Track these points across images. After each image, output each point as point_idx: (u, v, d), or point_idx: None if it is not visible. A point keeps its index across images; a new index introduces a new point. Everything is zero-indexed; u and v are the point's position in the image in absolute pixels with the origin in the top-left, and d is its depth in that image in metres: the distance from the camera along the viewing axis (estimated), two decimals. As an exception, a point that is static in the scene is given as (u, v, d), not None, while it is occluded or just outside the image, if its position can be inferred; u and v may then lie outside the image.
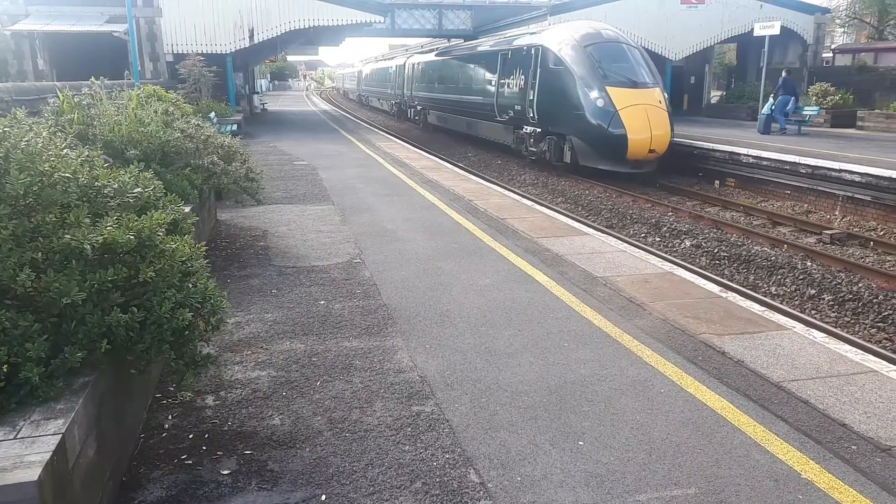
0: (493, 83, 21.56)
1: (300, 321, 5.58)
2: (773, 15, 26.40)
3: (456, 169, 16.31)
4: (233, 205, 9.39)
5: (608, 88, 16.15)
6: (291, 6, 24.49)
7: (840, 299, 8.44)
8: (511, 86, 20.08)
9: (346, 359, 4.84)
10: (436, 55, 30.85)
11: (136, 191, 3.85)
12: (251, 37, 24.31)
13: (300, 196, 11.55)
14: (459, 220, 9.62)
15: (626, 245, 8.64)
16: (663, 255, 10.04)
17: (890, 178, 12.22)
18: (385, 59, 49.34)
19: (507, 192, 12.80)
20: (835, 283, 8.91)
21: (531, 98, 18.49)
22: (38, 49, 23.03)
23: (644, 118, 15.78)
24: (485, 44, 25.10)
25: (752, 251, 10.41)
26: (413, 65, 34.10)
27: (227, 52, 24.48)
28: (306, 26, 24.95)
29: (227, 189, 7.97)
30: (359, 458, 3.59)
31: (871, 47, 37.26)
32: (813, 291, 8.76)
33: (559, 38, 18.01)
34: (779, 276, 9.37)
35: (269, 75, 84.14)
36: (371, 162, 16.61)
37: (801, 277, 9.21)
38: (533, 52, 18.64)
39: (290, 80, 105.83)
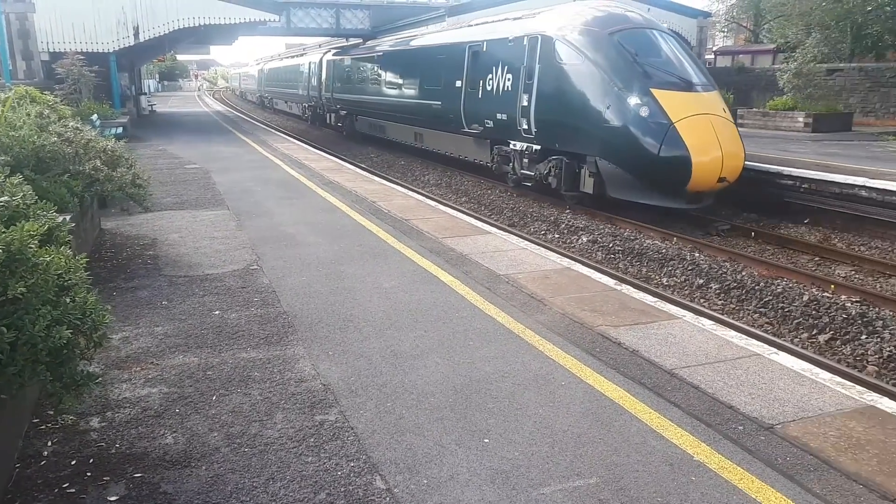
0: (459, 84, 16.88)
1: (193, 333, 5.32)
2: (659, 18, 27.72)
3: (358, 170, 16.14)
4: (118, 213, 8.87)
5: (654, 92, 11.63)
6: (180, 3, 23.45)
7: (726, 287, 8.96)
8: (488, 88, 15.47)
9: (244, 371, 4.66)
10: (368, 50, 26.19)
11: (2, 199, 3.55)
12: (136, 35, 23.09)
13: (192, 201, 11.06)
14: (362, 222, 9.51)
15: (527, 243, 8.82)
16: (562, 251, 10.31)
17: (767, 172, 13.10)
18: (294, 56, 43.38)
19: (410, 193, 12.79)
20: (721, 272, 9.45)
21: (525, 104, 13.88)
22: None
23: (710, 133, 11.40)
24: (441, 35, 20.17)
25: (645, 245, 10.88)
26: (334, 62, 29.40)
27: (110, 50, 23.15)
28: (196, 24, 23.97)
29: (111, 196, 7.51)
30: (259, 473, 3.45)
31: (748, 49, 39.96)
32: (701, 281, 9.25)
33: (568, 23, 13.33)
34: (669, 268, 9.84)
35: (157, 75, 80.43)
36: (268, 164, 16.16)
37: (690, 268, 9.71)
38: (526, 42, 13.96)
39: (180, 80, 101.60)
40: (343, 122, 28.78)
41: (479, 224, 9.87)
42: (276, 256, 7.64)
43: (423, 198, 12.53)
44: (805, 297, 8.30)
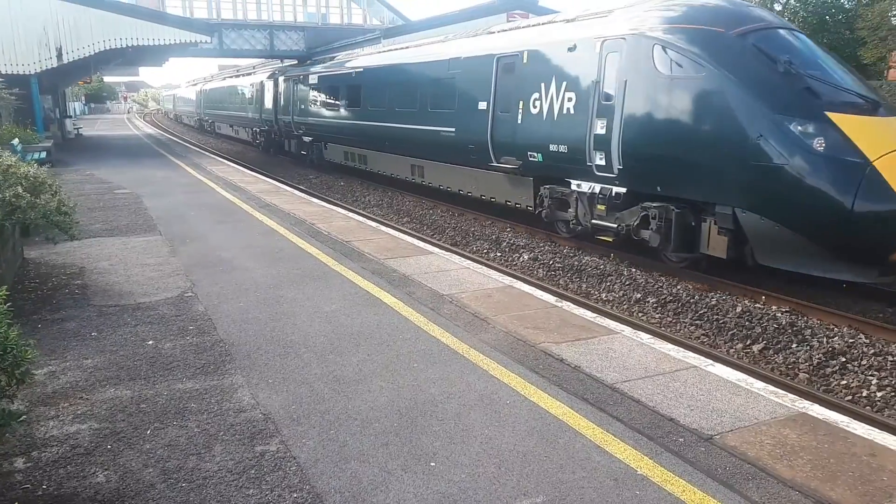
0: (484, 106, 13.30)
1: (125, 365, 5.10)
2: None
3: (296, 192, 15.94)
4: (43, 241, 8.46)
5: (831, 116, 8.09)
6: (106, 24, 22.80)
7: (662, 301, 9.19)
8: (534, 111, 11.91)
9: (180, 402, 4.48)
10: (342, 66, 21.82)
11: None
12: (59, 56, 22.28)
13: (122, 227, 10.67)
14: (302, 245, 9.37)
15: (469, 262, 8.86)
16: (504, 269, 10.41)
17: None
18: (241, 75, 39.24)
19: (350, 214, 12.70)
20: (657, 286, 9.69)
21: (601, 132, 10.36)
22: None
23: None
24: (451, 45, 15.57)
25: (584, 261, 11.08)
26: (295, 81, 25.47)
27: (32, 72, 22.25)
28: (124, 46, 23.34)
29: (34, 224, 7.16)
30: (198, 510, 3.31)
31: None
32: (638, 295, 9.47)
33: (666, 22, 9.75)
34: (608, 283, 10.04)
35: (83, 98, 77.85)
36: (203, 187, 15.79)
37: (627, 283, 9.93)
38: (600, 49, 10.49)
39: (108, 102, 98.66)
40: (308, 149, 24.96)
41: (422, 244, 9.87)
42: (212, 282, 7.43)
43: (364, 219, 12.46)
44: (738, 309, 8.59)
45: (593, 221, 11.22)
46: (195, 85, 55.22)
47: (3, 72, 21.14)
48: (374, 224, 11.66)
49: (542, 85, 11.73)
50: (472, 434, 4.08)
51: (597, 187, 10.93)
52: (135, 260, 8.47)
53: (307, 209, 12.66)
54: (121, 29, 23.04)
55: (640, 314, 8.93)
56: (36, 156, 15.99)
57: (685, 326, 8.43)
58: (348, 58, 22.74)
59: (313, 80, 23.55)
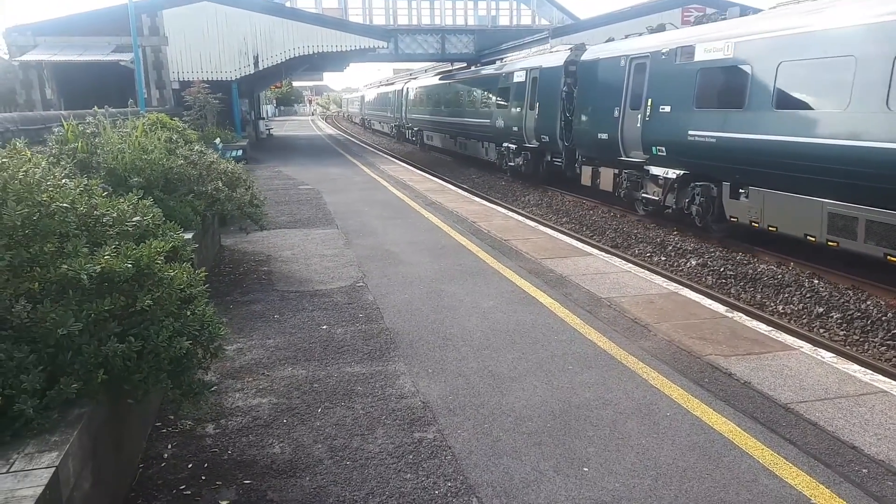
0: None
1: (302, 346, 5.55)
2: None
3: (460, 191, 16.34)
4: (237, 230, 9.40)
5: None
6: (295, 33, 24.86)
7: (848, 317, 8.34)
8: None
9: (348, 385, 4.80)
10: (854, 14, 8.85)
11: (135, 219, 3.85)
12: (256, 63, 24.64)
13: (304, 220, 11.58)
14: (463, 242, 9.60)
15: (630, 265, 8.60)
16: (669, 274, 9.98)
17: None
18: (476, 67, 28.76)
19: (510, 214, 12.80)
20: (843, 300, 8.81)
21: None
22: (46, 78, 23.36)
23: None
24: None
25: (759, 269, 10.33)
26: (637, 63, 13.92)
27: (233, 78, 24.83)
28: (310, 52, 25.31)
29: (230, 215, 7.98)
30: (359, 487, 3.53)
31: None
32: (821, 310, 8.67)
33: None
34: (786, 295, 9.28)
35: (274, 101, 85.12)
36: (375, 185, 16.67)
37: (808, 295, 9.12)
38: None
39: (295, 105, 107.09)
40: (672, 193, 13.09)
41: (580, 245, 9.73)
42: (381, 274, 7.85)
43: (523, 218, 12.51)
44: (942, 331, 7.59)
45: None
46: (391, 84, 46.28)
47: (210, 78, 23.75)
48: (532, 224, 11.67)
49: None
50: (628, 443, 3.97)
51: None
52: (314, 250, 9.15)
53: (469, 208, 12.94)
54: (308, 37, 25.03)
55: (821, 330, 8.18)
56: (233, 153, 17.79)
57: (875, 347, 7.59)
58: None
59: (721, 54, 11.46)
